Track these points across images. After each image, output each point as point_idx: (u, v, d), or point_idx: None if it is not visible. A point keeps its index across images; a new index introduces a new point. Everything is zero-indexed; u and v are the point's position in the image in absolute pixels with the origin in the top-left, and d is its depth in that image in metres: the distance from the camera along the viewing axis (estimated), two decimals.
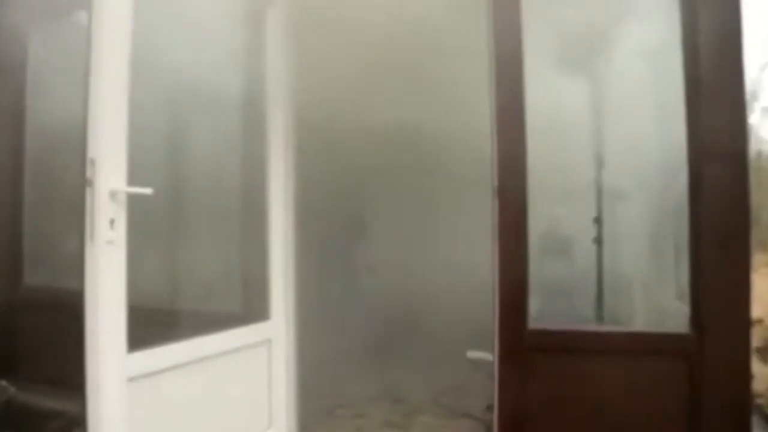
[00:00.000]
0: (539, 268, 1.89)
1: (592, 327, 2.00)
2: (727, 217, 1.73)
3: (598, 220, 2.00)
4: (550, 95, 2.00)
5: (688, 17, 1.80)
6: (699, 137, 1.76)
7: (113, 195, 1.62)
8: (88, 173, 1.60)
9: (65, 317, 1.77)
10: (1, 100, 2.33)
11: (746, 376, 1.76)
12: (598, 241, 1.99)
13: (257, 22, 2.35)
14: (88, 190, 1.60)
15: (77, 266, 1.63)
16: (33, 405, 2.02)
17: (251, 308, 2.29)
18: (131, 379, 1.67)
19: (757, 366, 2.73)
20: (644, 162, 2.02)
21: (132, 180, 1.67)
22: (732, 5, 1.76)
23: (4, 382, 2.04)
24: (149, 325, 1.78)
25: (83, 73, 1.66)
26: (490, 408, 1.92)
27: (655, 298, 2.07)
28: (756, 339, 2.99)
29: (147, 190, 1.69)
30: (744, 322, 1.74)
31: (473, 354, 2.29)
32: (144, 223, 1.75)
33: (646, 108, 2.04)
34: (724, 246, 1.73)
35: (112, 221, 1.61)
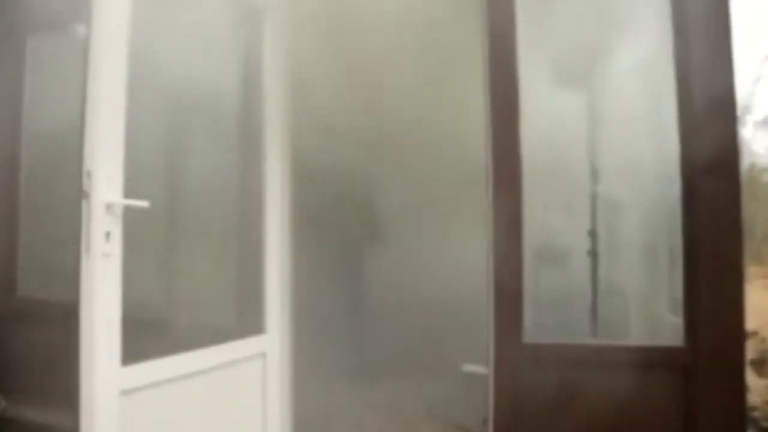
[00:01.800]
0: (534, 281, 1.89)
1: (587, 340, 2.00)
2: (720, 229, 1.74)
3: (592, 233, 2.00)
4: (545, 108, 2.02)
5: (679, 32, 1.82)
6: (691, 151, 1.78)
7: (109, 208, 1.62)
8: (85, 186, 1.60)
9: (59, 329, 1.76)
10: None
11: (741, 388, 1.76)
12: (593, 253, 2.00)
13: (255, 30, 2.37)
14: (84, 202, 1.60)
15: (72, 278, 1.62)
16: (24, 419, 2.01)
17: (246, 321, 2.28)
18: (124, 393, 1.66)
19: (752, 378, 2.73)
20: (639, 174, 2.03)
21: (128, 192, 1.67)
22: (723, 20, 1.79)
23: None
24: (143, 338, 1.77)
25: (80, 85, 1.67)
26: (485, 422, 1.92)
27: (650, 310, 2.07)
28: (751, 351, 2.99)
29: (143, 203, 1.69)
30: (738, 335, 1.75)
31: (469, 367, 2.29)
32: (139, 236, 1.74)
33: (641, 120, 2.06)
34: (718, 258, 1.74)
35: (107, 234, 1.61)
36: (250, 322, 2.27)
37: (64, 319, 1.66)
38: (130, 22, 1.70)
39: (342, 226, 3.21)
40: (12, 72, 2.34)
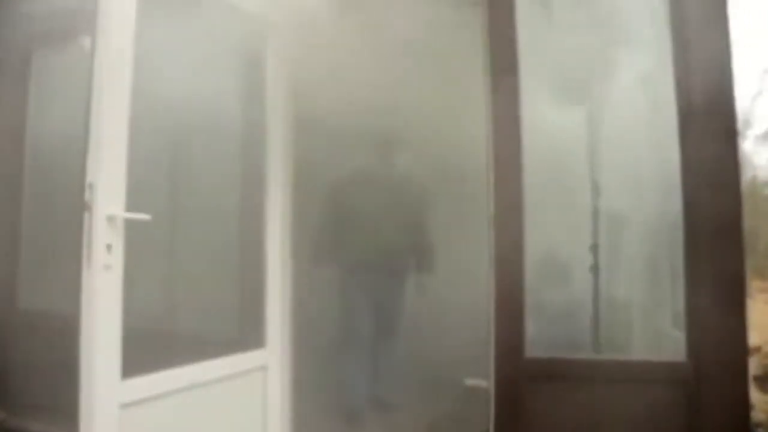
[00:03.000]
0: (536, 296, 1.88)
1: (589, 355, 1.99)
2: (722, 243, 1.74)
3: (594, 247, 2.00)
4: (547, 123, 2.02)
5: (679, 48, 1.83)
6: (692, 165, 1.78)
7: (111, 220, 1.62)
8: (87, 198, 1.60)
9: (59, 342, 1.76)
10: (2, 124, 2.35)
11: (745, 404, 1.74)
12: (595, 268, 1.99)
13: (258, 46, 2.39)
14: (86, 214, 1.60)
15: (73, 291, 1.62)
16: (24, 430, 2.00)
17: (247, 335, 2.27)
18: (124, 406, 1.66)
19: (756, 394, 2.70)
20: (640, 188, 2.03)
21: (129, 205, 1.68)
22: (722, 36, 1.79)
23: None
24: (143, 350, 1.76)
25: (84, 97, 1.68)
26: None
27: (652, 325, 2.06)
28: (755, 367, 2.96)
29: (145, 216, 1.70)
30: (741, 350, 1.73)
31: (471, 381, 2.27)
32: (141, 248, 1.75)
33: (641, 134, 2.06)
34: (719, 273, 1.73)
35: (109, 246, 1.62)
36: (250, 336, 2.26)
37: (65, 332, 1.66)
38: (134, 37, 1.72)
39: (343, 239, 3.20)
40: (16, 85, 2.35)
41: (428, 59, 2.93)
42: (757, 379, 2.95)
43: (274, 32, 2.40)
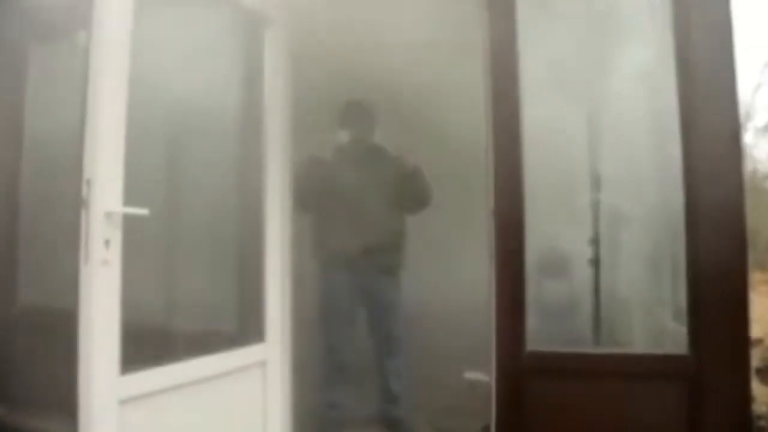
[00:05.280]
0: (536, 289, 1.88)
1: (591, 349, 1.99)
2: (724, 237, 1.74)
3: (595, 241, 1.99)
4: (547, 116, 2.02)
5: (681, 40, 1.82)
6: (694, 159, 1.77)
7: (108, 216, 1.61)
8: (84, 193, 1.59)
9: (59, 337, 1.75)
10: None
11: (746, 397, 1.74)
12: (596, 261, 1.99)
13: (255, 41, 2.37)
14: (83, 210, 1.59)
15: (72, 286, 1.62)
16: (23, 426, 1.99)
17: (246, 330, 2.27)
18: (123, 402, 1.65)
19: (757, 387, 2.70)
20: (641, 182, 2.03)
21: (127, 200, 1.67)
22: (724, 29, 1.79)
23: None
24: (143, 346, 1.76)
25: (81, 92, 1.67)
26: (486, 429, 1.90)
27: (654, 319, 2.06)
28: (756, 359, 2.97)
29: (143, 211, 1.69)
30: (742, 343, 1.73)
31: (470, 374, 2.27)
32: (139, 244, 1.74)
33: (643, 129, 2.05)
34: (721, 266, 1.73)
35: (107, 242, 1.61)
36: (249, 330, 2.25)
37: (64, 327, 1.66)
38: (131, 32, 1.70)
39: (343, 234, 3.19)
40: (14, 80, 2.34)
41: (428, 52, 2.91)
42: (758, 371, 2.96)
43: (271, 24, 2.38)
